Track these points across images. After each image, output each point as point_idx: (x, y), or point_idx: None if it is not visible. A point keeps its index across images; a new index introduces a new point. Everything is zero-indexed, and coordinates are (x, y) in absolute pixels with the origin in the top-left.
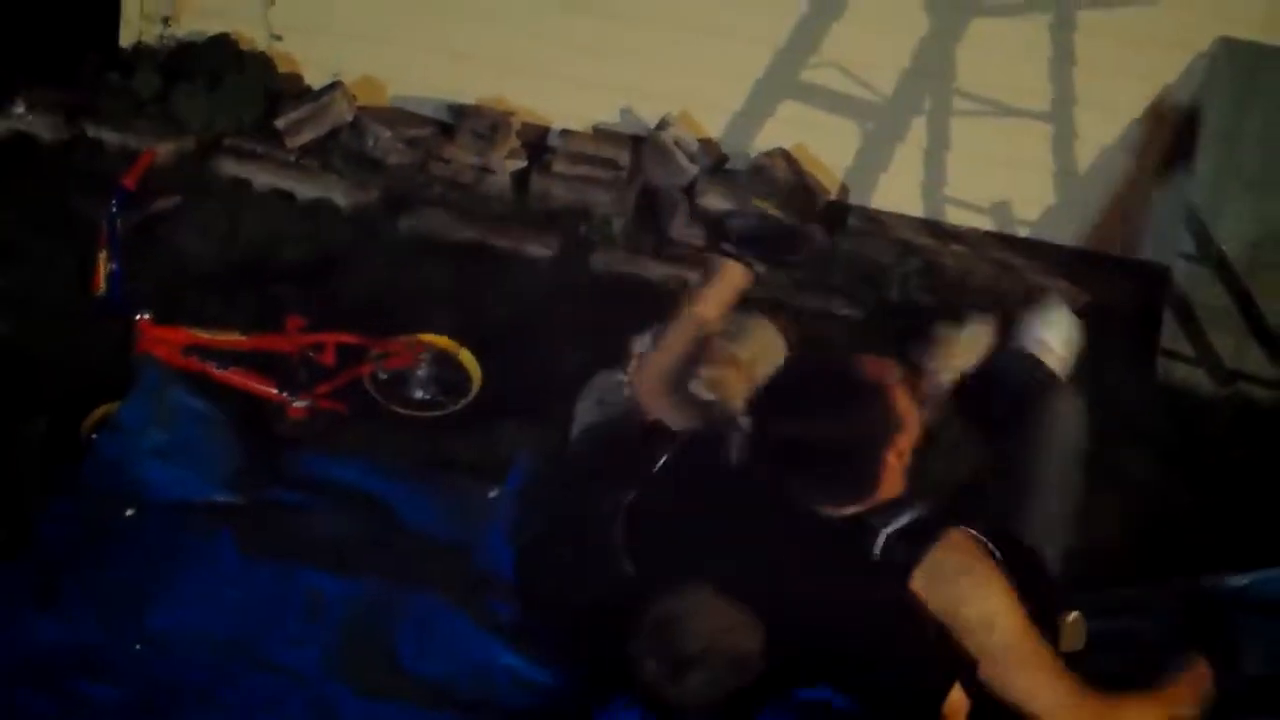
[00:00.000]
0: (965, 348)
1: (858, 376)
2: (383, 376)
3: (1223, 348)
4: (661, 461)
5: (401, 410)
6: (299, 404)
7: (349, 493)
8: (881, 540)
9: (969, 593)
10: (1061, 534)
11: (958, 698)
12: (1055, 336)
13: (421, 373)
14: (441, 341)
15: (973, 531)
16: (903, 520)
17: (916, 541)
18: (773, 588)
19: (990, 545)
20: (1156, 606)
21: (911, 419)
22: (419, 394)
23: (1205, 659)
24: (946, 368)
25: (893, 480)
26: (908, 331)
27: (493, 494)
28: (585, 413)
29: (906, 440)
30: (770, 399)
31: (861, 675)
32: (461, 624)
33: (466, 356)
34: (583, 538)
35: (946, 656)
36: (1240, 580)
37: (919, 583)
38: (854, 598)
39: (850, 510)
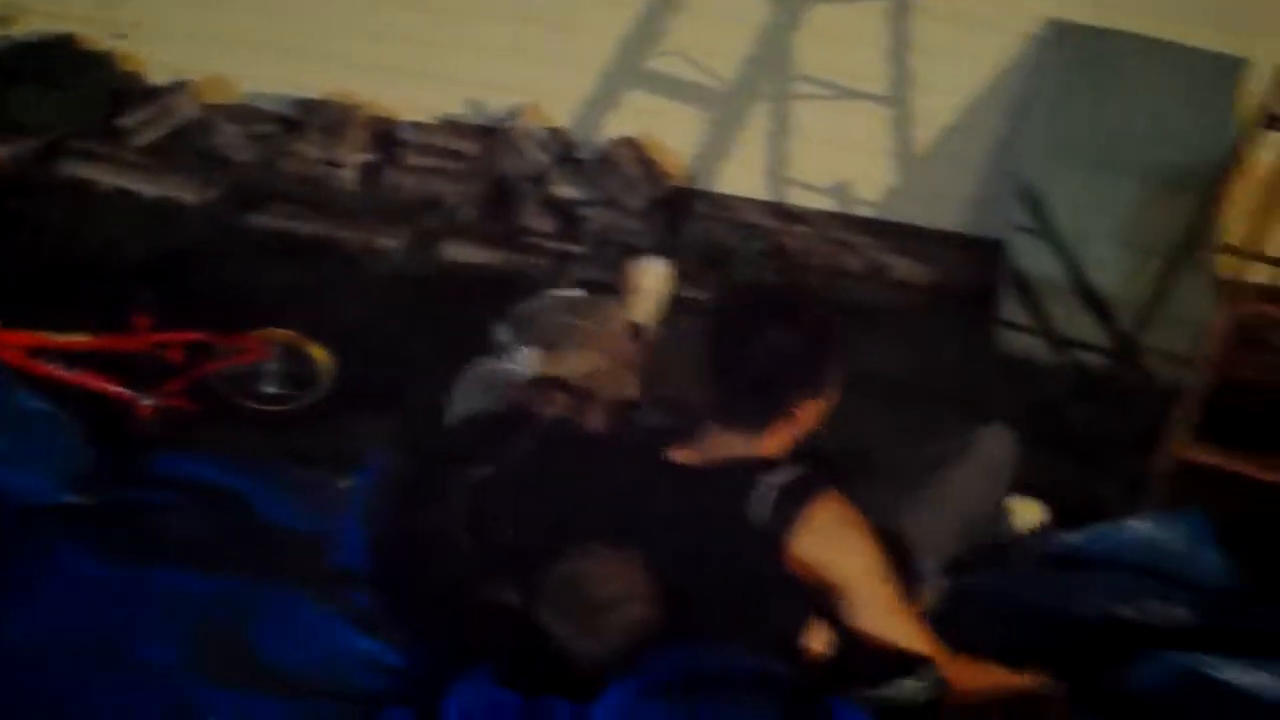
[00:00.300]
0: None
1: (828, 324)
2: (232, 373)
3: (1057, 317)
4: (527, 441)
5: (252, 405)
6: (148, 403)
7: (202, 489)
8: (763, 491)
9: (855, 544)
10: (946, 544)
11: (819, 630)
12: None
13: (271, 368)
14: (291, 336)
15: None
16: (787, 475)
17: (797, 496)
18: (646, 546)
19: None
20: (997, 564)
21: (834, 391)
22: (270, 389)
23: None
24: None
25: (787, 435)
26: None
27: (346, 484)
28: (466, 398)
29: (822, 407)
30: (744, 305)
31: (733, 621)
32: (318, 614)
33: (317, 350)
34: (434, 520)
35: (807, 593)
36: (1075, 538)
37: (802, 533)
38: (728, 546)
39: (736, 449)
